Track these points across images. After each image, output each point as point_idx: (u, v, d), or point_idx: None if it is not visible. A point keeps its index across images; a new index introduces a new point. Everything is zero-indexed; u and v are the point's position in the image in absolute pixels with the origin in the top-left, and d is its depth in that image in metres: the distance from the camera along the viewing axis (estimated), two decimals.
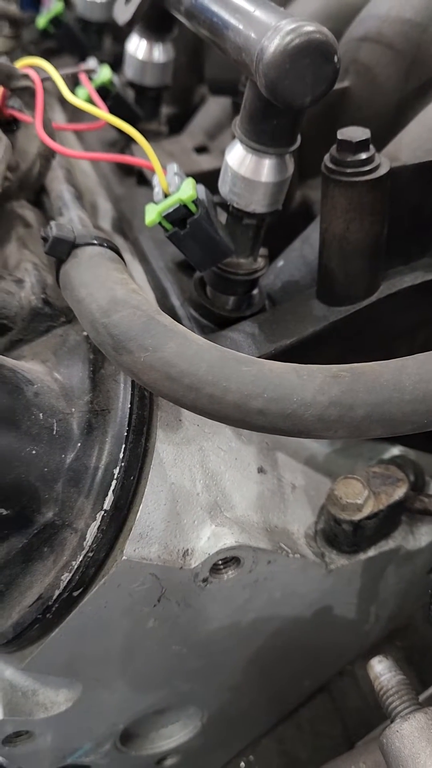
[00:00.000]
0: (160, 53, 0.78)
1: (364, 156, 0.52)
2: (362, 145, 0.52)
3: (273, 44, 0.44)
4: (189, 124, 0.89)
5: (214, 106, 0.87)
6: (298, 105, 0.46)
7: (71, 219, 0.60)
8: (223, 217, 0.60)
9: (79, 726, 0.66)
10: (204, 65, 0.87)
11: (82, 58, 1.05)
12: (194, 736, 0.75)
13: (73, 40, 1.05)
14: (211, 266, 0.59)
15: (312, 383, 0.45)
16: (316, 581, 0.63)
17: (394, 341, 0.64)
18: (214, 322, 0.64)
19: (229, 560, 0.57)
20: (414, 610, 0.73)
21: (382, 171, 0.53)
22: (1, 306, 0.56)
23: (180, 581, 0.56)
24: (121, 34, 1.04)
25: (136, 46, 0.78)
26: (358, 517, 0.60)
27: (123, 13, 0.66)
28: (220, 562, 0.57)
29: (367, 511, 0.60)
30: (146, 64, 0.79)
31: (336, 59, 0.45)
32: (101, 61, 1.03)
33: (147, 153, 0.56)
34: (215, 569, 0.57)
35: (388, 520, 0.63)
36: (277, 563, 0.59)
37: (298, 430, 0.46)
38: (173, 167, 0.57)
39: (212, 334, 0.62)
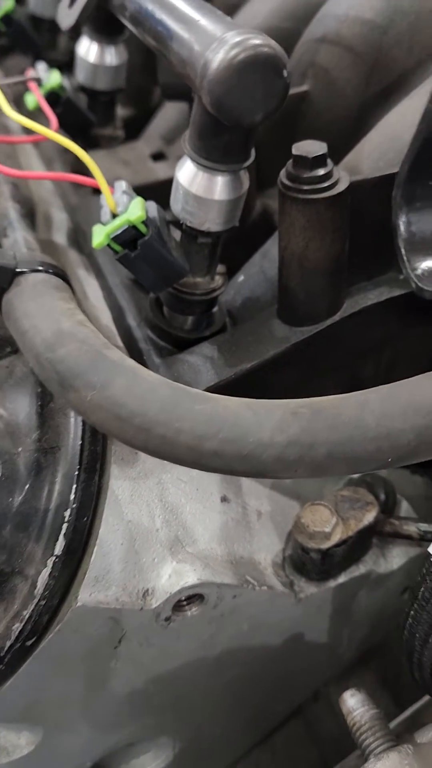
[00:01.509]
0: (112, 56, 0.74)
1: (321, 172, 0.49)
2: (319, 161, 0.49)
3: (217, 58, 0.41)
4: (146, 129, 0.86)
5: (171, 110, 0.83)
6: (248, 123, 0.43)
7: (16, 241, 0.56)
8: (177, 233, 0.57)
9: None
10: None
11: (36, 57, 1.01)
12: (166, 766, 0.73)
13: (25, 39, 1.01)
14: (166, 288, 0.56)
15: (269, 421, 0.42)
16: (286, 611, 0.61)
17: (359, 359, 0.61)
18: (172, 344, 0.61)
19: (192, 597, 0.55)
20: (388, 630, 0.71)
21: (342, 187, 0.50)
22: None
23: (141, 622, 0.53)
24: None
25: (87, 49, 0.74)
26: (326, 545, 0.57)
27: (66, 17, 0.63)
28: (183, 600, 0.54)
29: (335, 538, 0.58)
30: (98, 67, 0.76)
31: (286, 74, 0.42)
32: (55, 61, 0.99)
33: (92, 171, 0.52)
34: (178, 607, 0.54)
35: (357, 545, 0.61)
36: (243, 597, 0.57)
37: (256, 471, 0.43)
38: (121, 185, 0.54)
39: (170, 358, 0.59)
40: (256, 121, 0.43)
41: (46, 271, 0.52)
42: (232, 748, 0.78)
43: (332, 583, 0.61)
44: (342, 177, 0.50)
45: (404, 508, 0.67)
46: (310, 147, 0.50)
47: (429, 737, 0.57)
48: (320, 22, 0.66)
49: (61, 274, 0.53)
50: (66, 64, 1.03)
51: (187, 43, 0.44)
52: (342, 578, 0.62)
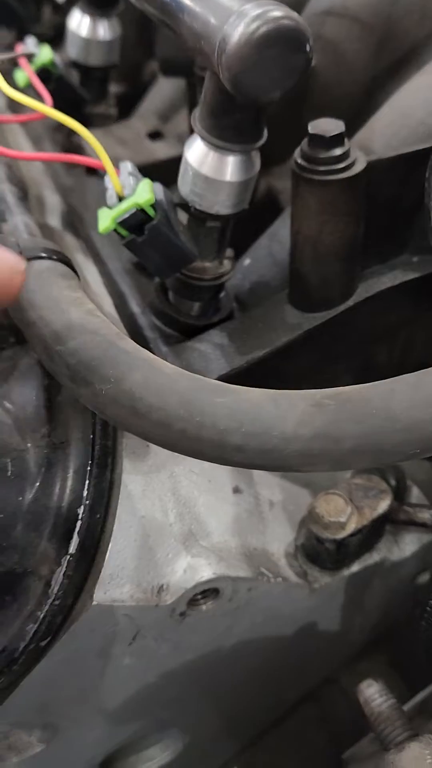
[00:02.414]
0: (105, 30, 0.71)
1: (338, 152, 0.47)
2: (336, 140, 0.47)
3: (236, 33, 0.38)
4: (140, 105, 0.83)
5: (166, 86, 0.81)
6: (266, 100, 0.41)
7: (16, 226, 0.54)
8: (183, 216, 0.55)
9: (55, 766, 0.62)
10: (154, 40, 0.80)
11: (20, 31, 0.97)
12: (176, 755, 0.72)
13: (8, 12, 0.97)
14: (174, 273, 0.54)
15: (293, 414, 0.41)
16: (300, 601, 0.60)
17: (373, 345, 0.60)
18: (178, 331, 0.59)
19: (207, 591, 0.53)
20: (400, 615, 0.70)
21: (359, 168, 0.48)
22: None
23: (156, 618, 0.52)
24: (61, 5, 0.96)
25: (79, 23, 0.71)
26: (341, 535, 0.56)
27: None
28: (198, 595, 0.53)
29: (350, 528, 0.57)
30: (90, 42, 0.73)
31: (308, 48, 0.39)
32: (41, 35, 0.95)
33: (97, 151, 0.50)
34: (193, 602, 0.53)
35: (372, 534, 0.60)
36: (257, 589, 0.55)
37: (279, 465, 0.41)
38: (127, 166, 0.51)
39: (178, 346, 0.57)
40: (274, 98, 0.41)
41: (51, 258, 0.49)
42: (242, 735, 0.77)
43: (346, 572, 0.60)
44: (359, 158, 0.48)
45: (414, 494, 0.66)
46: (326, 126, 0.48)
47: None
48: None
49: (67, 261, 0.50)
50: (52, 38, 0.99)
51: (202, 16, 0.41)
52: (356, 567, 0.61)
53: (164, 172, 0.61)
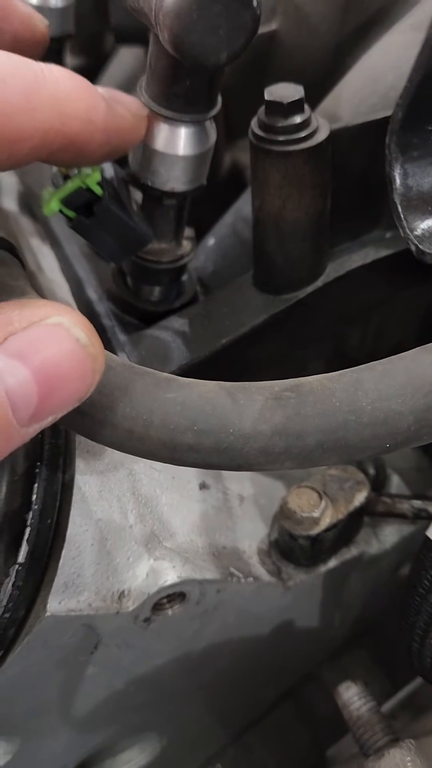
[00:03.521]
0: None
1: (298, 120, 0.43)
2: (295, 106, 0.43)
3: None
4: (99, 79, 0.78)
5: (127, 56, 0.76)
6: (212, 63, 0.37)
7: None
8: (138, 195, 0.51)
9: None
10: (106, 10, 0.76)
11: None
12: (154, 758, 0.70)
13: None
14: (128, 257, 0.50)
15: (251, 409, 0.37)
16: (274, 600, 0.57)
17: (345, 327, 0.56)
18: (139, 318, 0.55)
19: (172, 596, 0.50)
20: (382, 608, 0.68)
21: (321, 136, 0.44)
22: None
23: (118, 625, 0.49)
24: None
25: None
26: (315, 531, 0.53)
27: None
28: (163, 600, 0.50)
29: (325, 523, 0.54)
30: (42, 10, 0.68)
31: (255, 3, 0.35)
32: None
33: None
34: (158, 607, 0.50)
35: (349, 528, 0.56)
36: (227, 590, 0.52)
37: (237, 464, 0.38)
38: None
39: (136, 334, 0.53)
40: (221, 60, 0.37)
41: None
42: (222, 735, 0.75)
43: (322, 569, 0.57)
44: (321, 125, 0.45)
45: (395, 482, 0.63)
46: (284, 91, 0.44)
47: (429, 727, 0.54)
48: None
49: (8, 246, 0.46)
50: None
51: None
52: (333, 562, 0.58)
53: None
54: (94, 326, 0.55)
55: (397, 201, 0.39)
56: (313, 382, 0.38)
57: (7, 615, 0.44)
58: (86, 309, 0.57)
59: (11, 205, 0.68)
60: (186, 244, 0.53)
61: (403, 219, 0.39)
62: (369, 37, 0.56)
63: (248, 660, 0.62)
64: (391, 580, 0.65)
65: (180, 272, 0.54)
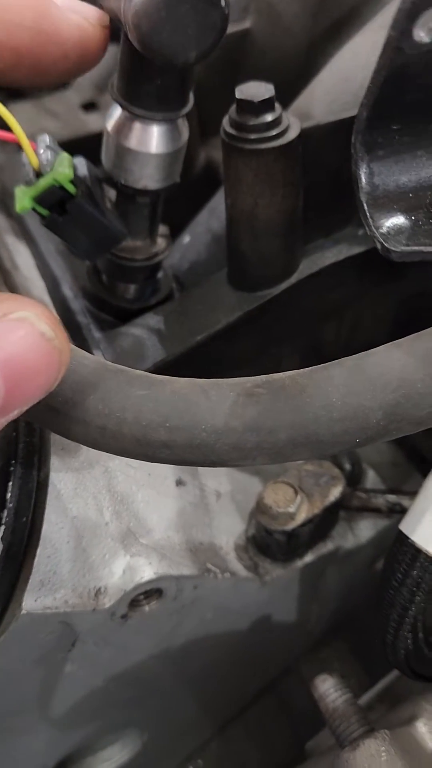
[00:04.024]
0: None
1: (269, 118, 0.44)
2: (266, 105, 0.43)
3: None
4: None
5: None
6: (181, 62, 0.37)
7: None
8: (112, 193, 0.51)
9: None
10: None
11: None
12: (135, 754, 0.70)
13: None
14: (102, 255, 0.51)
15: (222, 405, 0.38)
16: (251, 595, 0.57)
17: (319, 323, 0.57)
18: (114, 315, 0.56)
19: (149, 592, 0.50)
20: (359, 602, 0.68)
21: (292, 134, 0.44)
22: None
23: (95, 622, 0.49)
24: None
25: None
26: (291, 526, 0.54)
27: None
28: (140, 596, 0.50)
29: (300, 518, 0.54)
30: None
31: (223, 3, 0.36)
32: None
33: (9, 124, 0.46)
34: (135, 604, 0.50)
35: (324, 522, 0.57)
36: (204, 586, 0.53)
37: (210, 461, 0.38)
38: (45, 139, 0.47)
39: (111, 332, 0.53)
40: (190, 59, 0.37)
41: None
42: (203, 729, 0.75)
43: (299, 563, 0.58)
44: (292, 123, 0.45)
45: (371, 477, 0.63)
46: (255, 90, 0.44)
47: (404, 718, 0.55)
48: None
49: None
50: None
51: None
52: (309, 557, 0.58)
53: (98, 145, 0.57)
54: (69, 323, 0.56)
55: (363, 199, 0.40)
56: (284, 378, 0.39)
57: None
58: (61, 306, 0.57)
59: None
60: (161, 242, 0.53)
61: (369, 217, 0.40)
62: (341, 36, 0.57)
63: (228, 655, 0.63)
64: (367, 574, 0.66)
65: (155, 270, 0.55)
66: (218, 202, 0.58)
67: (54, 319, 0.33)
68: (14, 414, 0.33)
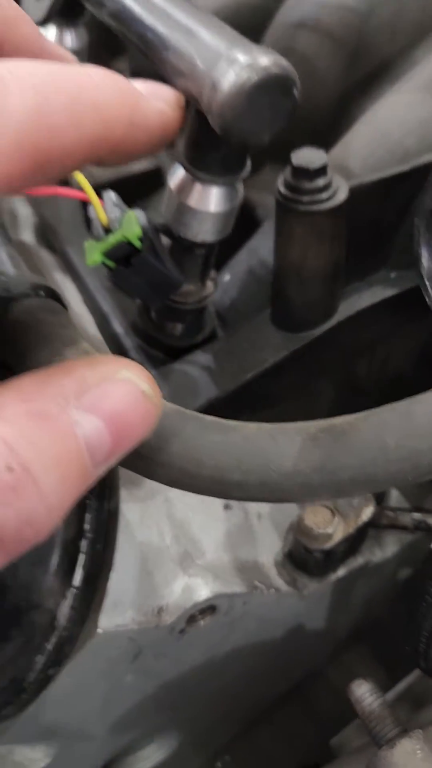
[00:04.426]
0: (72, 40, 0.70)
1: (322, 183, 0.48)
2: (320, 172, 0.48)
3: (227, 81, 0.39)
4: None
5: None
6: (255, 144, 0.41)
7: (0, 260, 0.53)
8: (165, 237, 0.55)
9: None
10: (118, 43, 0.79)
11: None
12: (169, 754, 0.75)
13: None
14: (162, 301, 0.55)
15: (291, 449, 0.42)
16: (289, 607, 0.62)
17: (354, 359, 0.62)
18: (163, 352, 0.60)
19: (204, 609, 0.55)
20: (381, 609, 0.74)
21: (342, 196, 0.49)
22: None
23: (156, 637, 0.53)
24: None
25: (46, 34, 0.70)
26: (329, 545, 0.59)
27: (36, 10, 0.58)
28: (196, 613, 0.55)
29: (337, 538, 0.59)
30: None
31: (296, 92, 0.40)
32: None
33: (81, 184, 0.50)
34: (191, 619, 0.55)
35: (356, 540, 0.62)
36: (252, 602, 0.57)
37: (278, 498, 0.43)
38: (111, 196, 0.51)
39: (164, 368, 0.58)
40: (263, 142, 0.41)
41: (40, 294, 0.49)
42: (231, 727, 0.80)
43: (333, 577, 0.62)
44: (341, 186, 0.49)
45: (394, 496, 0.68)
46: (310, 157, 0.48)
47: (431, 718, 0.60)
48: (296, 6, 0.63)
49: (54, 294, 0.50)
50: None
51: (187, 57, 0.41)
52: (341, 571, 0.63)
53: (140, 186, 0.61)
54: None
55: (425, 276, 0.44)
56: (343, 424, 0.44)
57: (65, 633, 0.48)
58: (114, 342, 0.61)
59: (29, 237, 0.71)
60: (210, 285, 0.57)
61: (430, 292, 0.45)
62: (372, 89, 0.61)
63: (263, 660, 0.68)
64: (389, 584, 0.71)
65: (203, 310, 0.59)
66: (257, 244, 0.62)
67: (150, 378, 0.37)
68: (114, 462, 0.38)
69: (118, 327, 0.61)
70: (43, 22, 0.58)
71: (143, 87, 0.39)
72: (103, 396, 0.35)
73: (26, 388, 0.34)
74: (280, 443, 0.43)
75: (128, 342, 0.60)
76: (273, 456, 0.42)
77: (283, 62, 0.40)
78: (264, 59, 0.39)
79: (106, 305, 0.63)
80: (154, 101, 0.39)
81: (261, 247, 0.61)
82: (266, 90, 0.39)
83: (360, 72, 0.61)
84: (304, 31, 0.62)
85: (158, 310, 0.59)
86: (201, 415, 0.44)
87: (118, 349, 0.60)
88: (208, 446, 0.42)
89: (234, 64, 0.39)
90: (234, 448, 0.42)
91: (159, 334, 0.59)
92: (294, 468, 0.42)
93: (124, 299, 0.64)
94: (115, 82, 0.36)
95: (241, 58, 0.39)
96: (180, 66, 0.42)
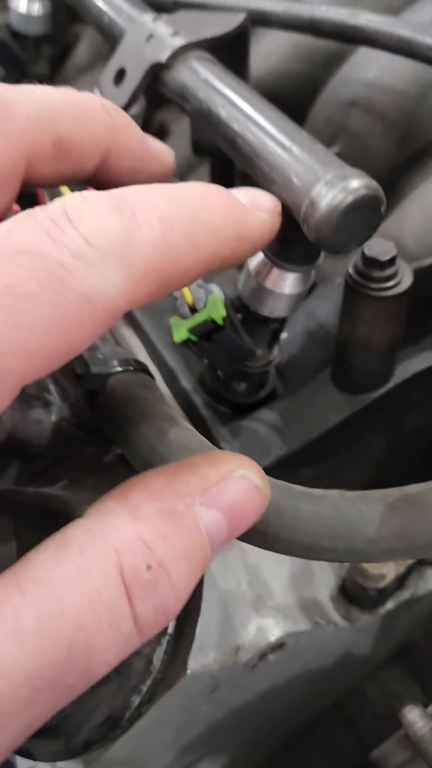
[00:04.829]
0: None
1: (390, 272, 0.54)
2: (390, 263, 0.53)
3: (324, 202, 0.44)
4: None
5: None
6: (346, 251, 0.47)
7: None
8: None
9: None
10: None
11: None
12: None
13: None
14: (235, 368, 0.60)
15: (373, 517, 0.48)
16: (343, 638, 0.68)
17: (405, 414, 0.67)
18: (230, 408, 0.65)
19: (275, 646, 0.61)
20: (417, 633, 0.80)
21: (407, 283, 0.54)
22: (35, 437, 0.54)
23: (232, 673, 0.59)
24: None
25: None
26: (383, 584, 0.64)
27: (115, 96, 0.62)
28: (267, 650, 0.60)
29: (390, 577, 0.65)
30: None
31: (383, 208, 0.45)
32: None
33: None
34: (263, 656, 0.60)
35: (404, 576, 0.68)
36: (314, 637, 0.63)
37: (363, 560, 0.49)
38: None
39: (233, 425, 0.63)
40: (351, 250, 0.46)
41: (130, 369, 0.54)
42: (277, 743, 0.86)
43: (382, 610, 0.68)
44: (407, 272, 0.55)
45: None
46: (380, 248, 0.54)
47: None
48: (347, 85, 0.68)
49: (145, 369, 0.55)
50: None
51: (283, 173, 0.46)
52: (390, 604, 0.69)
53: None
54: (193, 416, 0.65)
55: None
56: (417, 494, 0.49)
57: (159, 676, 0.54)
58: (183, 399, 0.66)
59: None
60: (275, 350, 0.63)
61: None
62: (421, 165, 0.66)
63: (315, 684, 0.74)
64: (425, 612, 0.77)
65: (268, 371, 0.64)
66: (314, 307, 0.67)
67: (262, 471, 0.43)
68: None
69: (186, 383, 0.66)
70: (126, 107, 0.62)
71: (245, 196, 0.42)
72: (222, 492, 0.41)
73: (156, 487, 0.39)
74: (364, 512, 0.48)
75: (197, 399, 0.65)
76: (358, 524, 0.48)
77: (373, 183, 0.45)
78: (356, 182, 0.44)
79: (173, 361, 0.68)
80: (257, 212, 0.42)
81: (317, 310, 0.67)
82: (359, 209, 0.44)
83: (409, 149, 0.67)
84: (357, 111, 0.67)
85: (226, 373, 0.64)
86: (290, 485, 0.49)
87: (188, 405, 0.65)
88: (299, 515, 0.48)
89: (331, 186, 0.44)
90: (323, 517, 0.48)
91: (226, 392, 0.64)
92: (377, 535, 0.48)
93: (188, 355, 0.69)
94: (226, 201, 0.39)
95: (337, 180, 0.44)
96: (273, 176, 0.47)
